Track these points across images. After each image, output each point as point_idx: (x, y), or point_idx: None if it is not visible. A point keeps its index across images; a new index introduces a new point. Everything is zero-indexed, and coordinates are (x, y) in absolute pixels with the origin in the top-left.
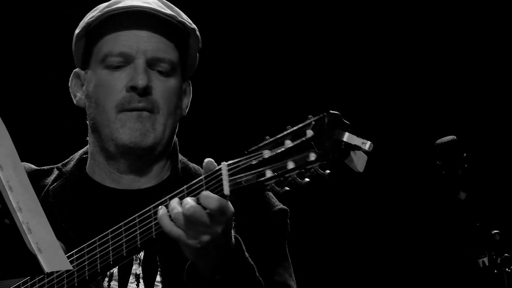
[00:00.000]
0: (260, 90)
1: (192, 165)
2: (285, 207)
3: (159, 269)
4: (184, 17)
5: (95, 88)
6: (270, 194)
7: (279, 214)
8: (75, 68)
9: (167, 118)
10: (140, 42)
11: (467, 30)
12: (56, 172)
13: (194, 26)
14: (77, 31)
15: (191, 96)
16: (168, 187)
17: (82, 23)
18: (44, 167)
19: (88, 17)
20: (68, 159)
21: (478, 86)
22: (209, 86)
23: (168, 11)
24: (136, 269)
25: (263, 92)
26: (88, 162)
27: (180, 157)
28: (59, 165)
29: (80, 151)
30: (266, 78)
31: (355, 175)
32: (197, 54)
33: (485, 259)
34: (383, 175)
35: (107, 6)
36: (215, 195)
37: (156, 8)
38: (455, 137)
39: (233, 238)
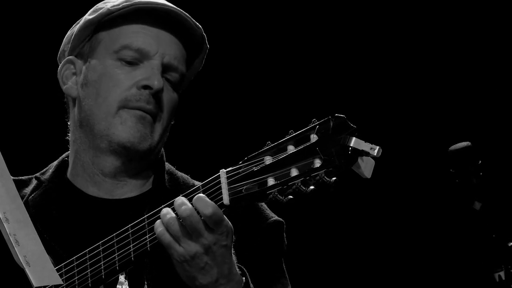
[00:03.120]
0: (260, 92)
1: (180, 174)
2: (280, 219)
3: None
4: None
5: (100, 78)
6: (264, 205)
7: (274, 227)
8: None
9: (165, 128)
10: (161, 43)
11: (483, 34)
12: (34, 181)
13: (207, 45)
14: (90, 16)
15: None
16: (153, 198)
17: (99, 10)
18: (22, 177)
19: (111, 4)
20: (46, 168)
21: (494, 89)
22: (205, 88)
23: (187, 14)
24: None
25: (262, 94)
26: (70, 165)
27: (167, 166)
28: (37, 174)
29: (59, 158)
30: (266, 80)
31: (363, 183)
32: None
33: (502, 273)
34: (393, 183)
35: (127, 1)
36: (210, 201)
37: (179, 9)
38: (469, 143)
39: (236, 267)
